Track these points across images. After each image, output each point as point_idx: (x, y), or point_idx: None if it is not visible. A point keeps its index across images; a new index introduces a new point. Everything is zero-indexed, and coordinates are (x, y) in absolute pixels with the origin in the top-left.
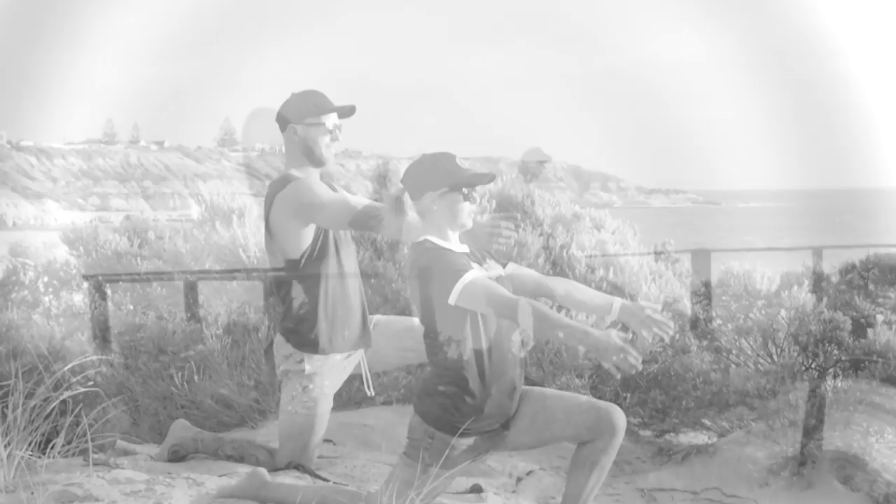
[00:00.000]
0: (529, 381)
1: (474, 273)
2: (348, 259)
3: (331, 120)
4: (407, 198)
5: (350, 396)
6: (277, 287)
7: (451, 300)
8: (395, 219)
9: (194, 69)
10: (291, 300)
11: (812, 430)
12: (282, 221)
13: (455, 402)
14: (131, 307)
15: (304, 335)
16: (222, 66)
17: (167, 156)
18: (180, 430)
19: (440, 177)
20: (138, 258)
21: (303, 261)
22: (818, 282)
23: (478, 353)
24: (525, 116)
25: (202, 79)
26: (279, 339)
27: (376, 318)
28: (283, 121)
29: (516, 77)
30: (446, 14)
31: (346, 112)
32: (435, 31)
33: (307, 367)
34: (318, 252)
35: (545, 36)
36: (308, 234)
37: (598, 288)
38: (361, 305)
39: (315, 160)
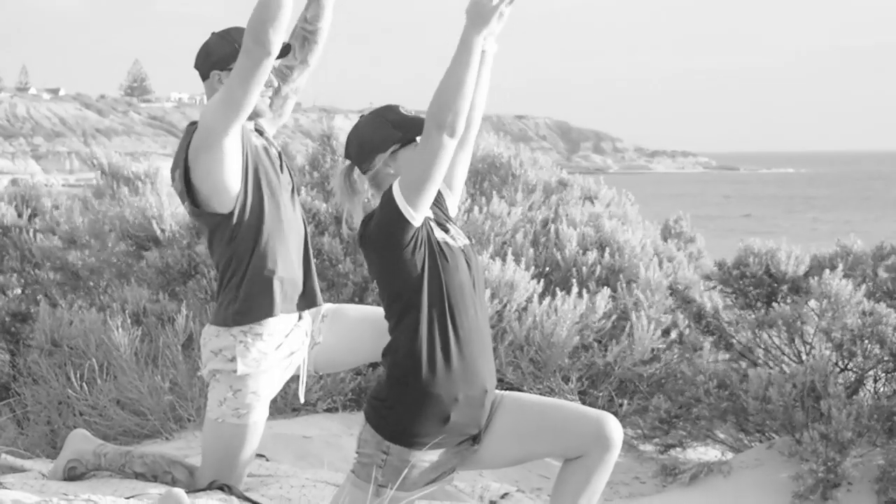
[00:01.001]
0: (505, 385)
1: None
2: (286, 203)
3: None
4: (357, 174)
5: (286, 402)
6: (211, 253)
7: (401, 205)
8: (352, 200)
9: None
10: (229, 263)
11: (848, 444)
12: (205, 162)
13: (416, 408)
14: (19, 291)
15: (249, 300)
16: None
17: (63, 106)
18: (79, 441)
19: (386, 133)
20: (29, 232)
21: (236, 214)
22: (855, 265)
23: (443, 332)
24: (503, 60)
25: (105, 10)
26: (209, 331)
27: (325, 307)
28: (203, 67)
29: None
30: None
31: (281, 52)
32: None
33: (240, 367)
34: (251, 199)
35: None
36: (235, 179)
37: (591, 274)
38: (305, 257)
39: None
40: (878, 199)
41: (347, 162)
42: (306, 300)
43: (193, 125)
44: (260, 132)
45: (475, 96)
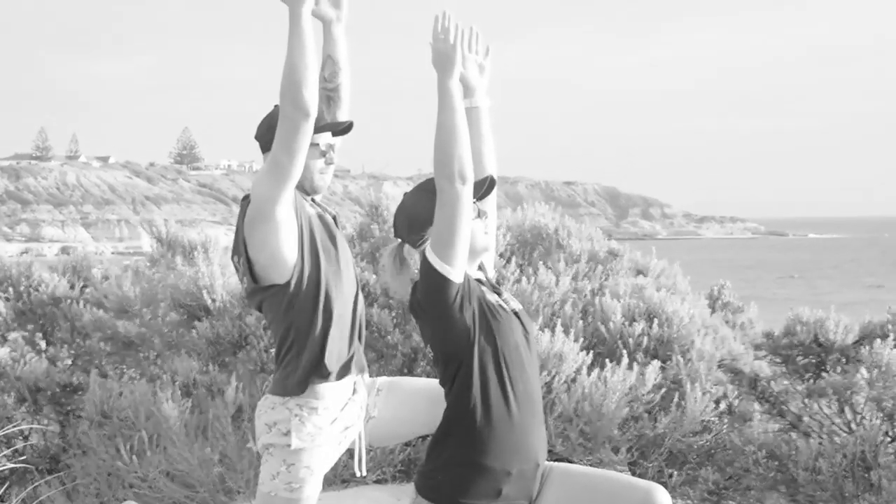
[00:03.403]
0: (555, 457)
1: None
2: (342, 271)
3: (324, 139)
4: (406, 251)
5: (336, 473)
6: (268, 323)
7: (436, 264)
8: (399, 279)
9: (145, 66)
10: (287, 333)
11: None
12: (261, 233)
13: (468, 482)
14: (69, 363)
15: (310, 369)
16: (179, 63)
17: (112, 174)
18: None
19: (433, 204)
20: (79, 303)
21: (293, 283)
22: None
23: (497, 394)
24: (547, 127)
25: (153, 77)
26: (265, 403)
27: (380, 380)
28: (265, 140)
29: (534, 76)
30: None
31: (343, 129)
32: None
33: (294, 441)
34: (308, 268)
35: (574, 29)
36: (291, 249)
37: (638, 346)
38: (352, 321)
39: (305, 189)
40: None
41: (398, 241)
42: (353, 366)
43: (246, 199)
44: (313, 199)
45: (481, 147)
